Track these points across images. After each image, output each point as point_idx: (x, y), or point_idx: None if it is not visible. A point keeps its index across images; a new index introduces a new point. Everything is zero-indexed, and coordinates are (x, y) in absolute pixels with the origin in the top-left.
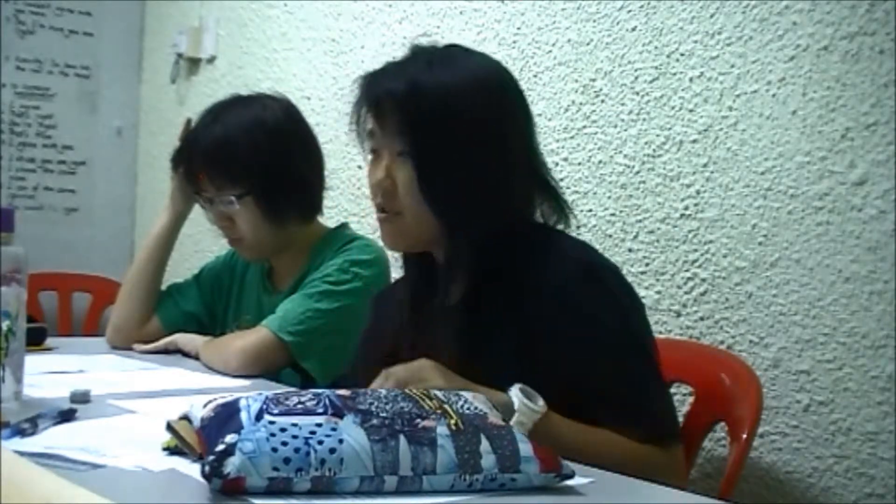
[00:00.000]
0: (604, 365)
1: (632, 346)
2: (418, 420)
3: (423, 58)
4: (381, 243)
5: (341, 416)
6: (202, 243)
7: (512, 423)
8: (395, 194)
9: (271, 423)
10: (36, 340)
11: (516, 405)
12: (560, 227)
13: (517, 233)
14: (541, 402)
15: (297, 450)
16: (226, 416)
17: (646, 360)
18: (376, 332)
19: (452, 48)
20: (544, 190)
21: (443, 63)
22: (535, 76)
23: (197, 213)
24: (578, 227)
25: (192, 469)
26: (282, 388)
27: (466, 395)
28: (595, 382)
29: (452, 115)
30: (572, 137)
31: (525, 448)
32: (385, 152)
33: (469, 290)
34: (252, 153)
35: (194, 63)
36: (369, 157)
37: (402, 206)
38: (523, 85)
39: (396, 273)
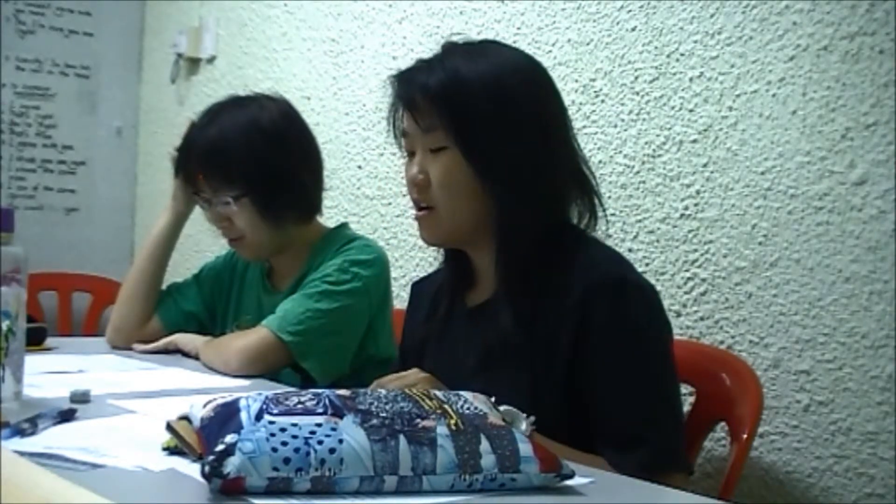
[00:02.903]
0: (610, 389)
1: (643, 372)
2: (418, 420)
3: (458, 51)
4: (380, 243)
5: (341, 416)
6: (202, 243)
7: None
8: (429, 189)
9: (271, 423)
10: (36, 340)
11: None
12: (591, 229)
13: (550, 233)
14: (524, 425)
15: (296, 450)
16: (226, 416)
17: (657, 389)
18: (412, 320)
19: (486, 42)
20: (581, 183)
21: (479, 54)
22: None
23: (197, 213)
24: (608, 231)
25: (191, 469)
26: (282, 388)
27: (466, 395)
28: (599, 406)
29: (496, 104)
30: None
31: (525, 448)
32: (418, 149)
33: (495, 292)
34: (248, 154)
35: (194, 63)
36: (405, 158)
37: (435, 200)
38: None
39: (396, 273)
